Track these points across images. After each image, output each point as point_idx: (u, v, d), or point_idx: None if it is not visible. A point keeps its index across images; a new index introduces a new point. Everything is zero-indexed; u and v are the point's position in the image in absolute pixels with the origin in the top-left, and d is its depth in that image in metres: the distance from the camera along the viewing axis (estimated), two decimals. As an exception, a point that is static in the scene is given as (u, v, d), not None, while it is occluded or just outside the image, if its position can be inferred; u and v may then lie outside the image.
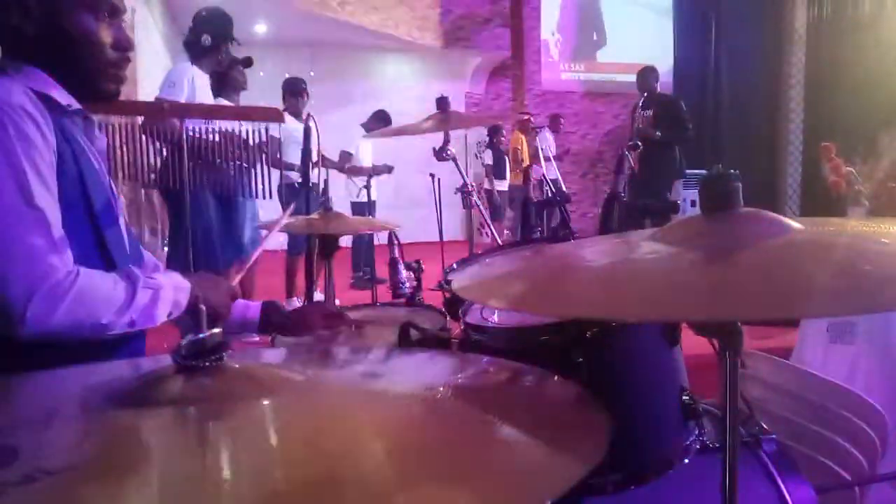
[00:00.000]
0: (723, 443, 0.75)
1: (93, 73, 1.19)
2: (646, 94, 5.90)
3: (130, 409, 0.56)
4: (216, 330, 0.58)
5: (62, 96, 1.15)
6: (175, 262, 3.07)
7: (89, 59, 1.17)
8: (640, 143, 5.53)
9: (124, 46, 1.21)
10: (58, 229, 1.05)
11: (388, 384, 0.79)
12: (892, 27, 7.08)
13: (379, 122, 5.80)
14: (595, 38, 10.86)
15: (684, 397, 1.05)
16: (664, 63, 9.98)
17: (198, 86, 3.20)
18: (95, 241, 1.15)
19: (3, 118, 1.02)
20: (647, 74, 6.15)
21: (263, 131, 2.79)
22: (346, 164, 5.64)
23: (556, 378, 0.71)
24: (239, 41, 3.47)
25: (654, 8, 10.22)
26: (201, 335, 0.57)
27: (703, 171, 7.28)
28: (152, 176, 2.91)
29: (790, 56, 7.88)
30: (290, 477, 0.47)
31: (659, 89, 6.59)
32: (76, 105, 1.18)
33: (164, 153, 2.92)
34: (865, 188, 4.18)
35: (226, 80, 3.69)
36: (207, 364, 0.58)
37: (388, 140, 7.25)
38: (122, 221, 1.26)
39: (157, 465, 0.50)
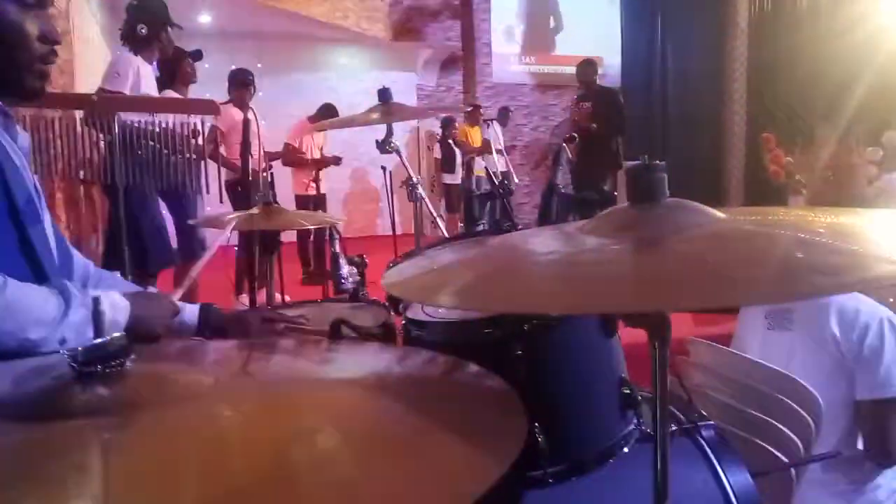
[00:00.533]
0: (654, 430, 0.76)
1: (18, 69, 1.11)
2: (583, 87, 5.99)
3: (24, 422, 0.52)
4: (118, 333, 0.55)
5: None
6: (112, 258, 2.96)
7: (15, 52, 1.10)
8: (576, 136, 5.61)
9: (52, 39, 1.14)
10: None
11: (330, 371, 0.78)
12: (829, 22, 7.32)
13: (326, 115, 5.75)
14: (552, 25, 10.94)
15: (623, 387, 1.06)
16: (613, 55, 10.15)
17: (142, 76, 3.11)
18: (18, 241, 1.10)
19: None
20: (586, 67, 6.24)
21: (201, 124, 2.72)
22: (291, 156, 5.55)
23: (481, 371, 0.70)
24: (180, 26, 3.37)
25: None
26: (101, 339, 0.54)
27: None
28: (90, 169, 2.81)
29: (733, 49, 8.07)
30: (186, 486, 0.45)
31: (603, 82, 6.69)
32: None
33: (102, 147, 2.82)
34: (804, 178, 4.33)
35: (175, 72, 3.60)
36: (107, 370, 0.54)
37: (340, 133, 7.17)
38: (46, 219, 1.21)
39: (71, 482, 0.47)
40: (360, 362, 0.85)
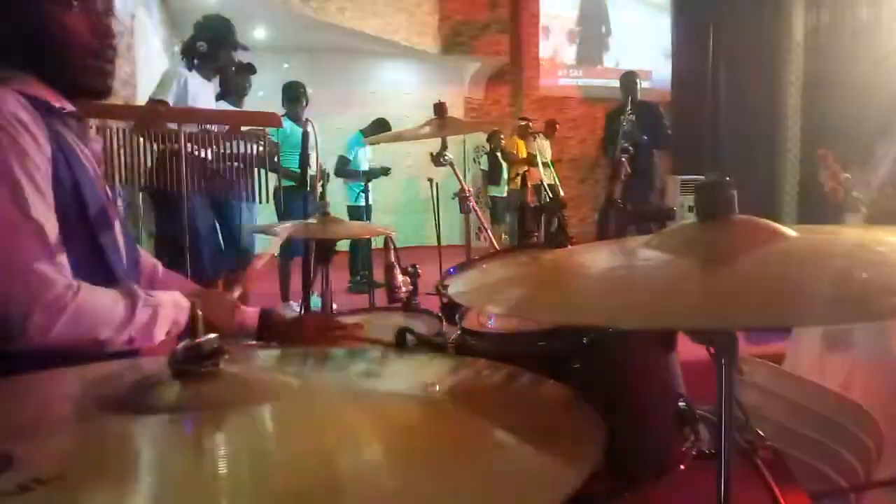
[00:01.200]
0: (718, 450, 0.75)
1: (75, 67, 1.14)
2: (630, 99, 5.89)
3: (125, 414, 0.56)
4: (212, 335, 0.58)
5: (54, 99, 1.13)
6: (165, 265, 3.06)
7: (67, 52, 1.12)
8: (631, 148, 5.55)
9: (102, 33, 1.16)
10: (56, 241, 1.04)
11: (385, 385, 0.79)
12: (888, 35, 7.12)
13: (379, 129, 5.84)
14: (602, 38, 10.91)
15: (680, 404, 1.05)
16: (664, 68, 10.04)
17: (191, 90, 3.20)
18: (91, 247, 1.15)
19: None
20: (631, 79, 6.13)
21: (262, 136, 2.79)
22: (343, 167, 5.67)
23: (550, 382, 0.71)
24: (245, 46, 3.47)
25: (654, 14, 10.26)
26: (197, 340, 0.57)
27: (700, 177, 7.30)
28: (145, 176, 2.90)
29: (788, 63, 7.92)
30: (287, 483, 0.47)
31: (653, 95, 6.61)
32: (69, 107, 1.17)
33: (156, 154, 2.91)
34: (862, 195, 4.20)
35: (229, 85, 3.71)
36: (203, 369, 0.57)
37: (387, 145, 7.26)
38: (117, 225, 1.26)
39: (152, 474, 0.50)
40: (414, 373, 0.87)
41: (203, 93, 3.29)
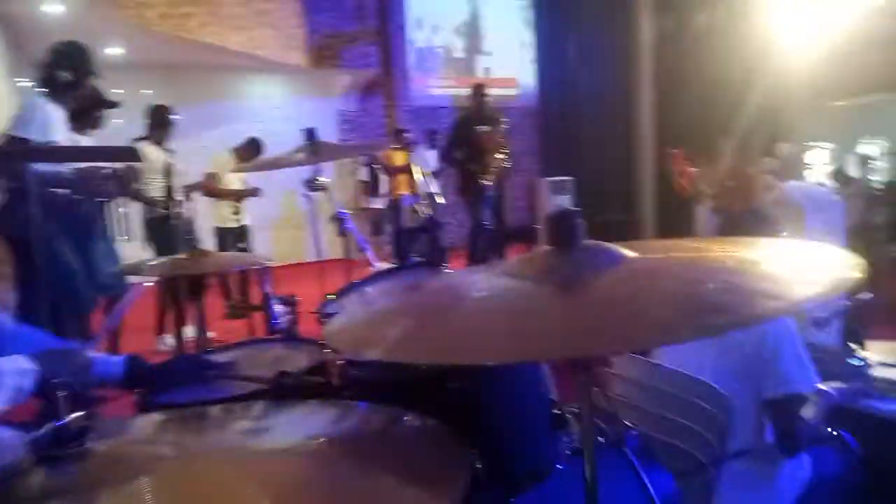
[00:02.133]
0: (584, 451, 0.83)
1: None
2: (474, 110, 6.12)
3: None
4: (77, 414, 0.56)
5: None
6: (26, 309, 2.84)
7: None
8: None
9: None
10: None
11: (267, 440, 0.80)
12: (723, 38, 7.82)
13: (252, 148, 5.68)
14: (471, 48, 11.19)
15: (553, 409, 1.14)
16: (530, 76, 10.48)
17: (51, 122, 2.99)
18: None
19: None
20: (480, 90, 6.32)
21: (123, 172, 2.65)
22: (211, 185, 5.43)
23: (422, 418, 0.75)
24: (101, 75, 3.27)
25: (519, 20, 10.66)
26: (61, 421, 0.56)
27: (568, 178, 7.57)
28: None
29: (641, 68, 8.51)
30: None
31: (520, 102, 6.89)
32: None
33: (2, 196, 2.71)
34: (708, 189, 4.62)
35: (87, 117, 3.49)
36: (70, 452, 0.56)
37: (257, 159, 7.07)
38: None
39: None
40: (297, 426, 0.88)
41: (60, 123, 3.08)
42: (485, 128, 6.08)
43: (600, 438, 1.33)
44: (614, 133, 8.83)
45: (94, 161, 2.61)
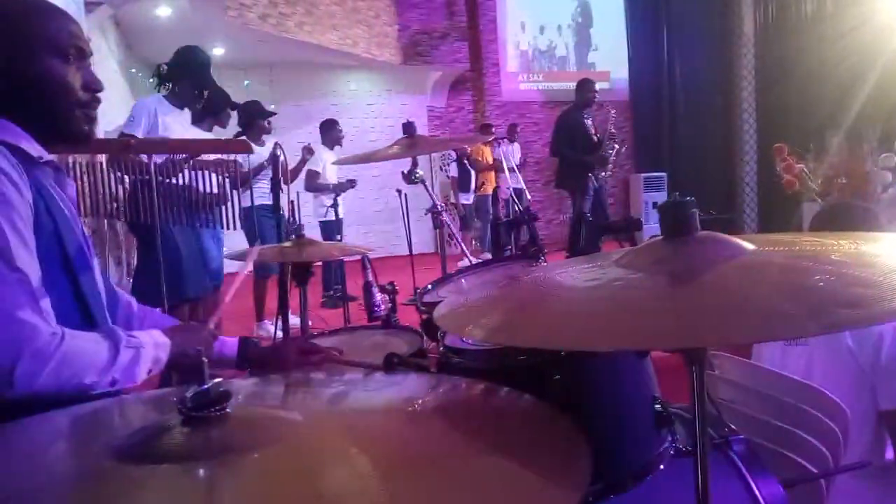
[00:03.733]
0: (694, 449, 0.80)
1: (65, 117, 1.18)
2: (583, 105, 6.11)
3: (139, 463, 0.58)
4: (219, 380, 0.61)
5: (33, 148, 1.15)
6: (142, 293, 3.05)
7: (61, 103, 1.17)
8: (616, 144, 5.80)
9: (94, 87, 1.22)
10: (39, 289, 1.05)
11: (372, 404, 0.82)
12: (834, 25, 7.37)
13: (329, 131, 5.89)
14: (562, 42, 11.08)
15: (656, 406, 1.10)
16: (621, 69, 10.23)
17: (161, 120, 3.19)
18: (71, 290, 1.16)
19: None
20: (589, 84, 6.27)
21: (231, 164, 2.80)
22: (313, 181, 5.65)
23: (529, 398, 0.74)
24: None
25: (608, 16, 10.45)
26: (205, 386, 0.60)
27: (662, 173, 7.47)
28: (115, 206, 2.90)
29: (740, 58, 8.14)
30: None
31: (612, 96, 6.80)
32: (47, 156, 1.18)
33: (128, 186, 2.91)
34: (816, 185, 4.35)
35: (213, 117, 3.72)
36: (212, 415, 0.60)
37: (352, 154, 7.27)
38: (95, 264, 1.27)
39: None
40: (405, 391, 0.90)
41: (173, 122, 3.28)
42: (590, 120, 6.09)
43: (704, 441, 1.28)
44: (712, 127, 8.51)
45: (212, 152, 2.77)
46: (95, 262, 1.27)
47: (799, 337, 1.70)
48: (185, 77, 3.32)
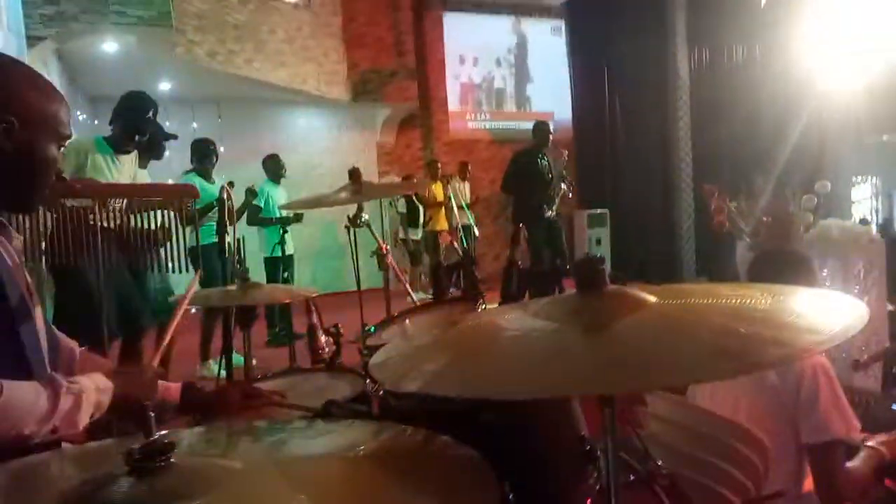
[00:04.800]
0: (607, 485, 0.87)
1: (37, 194, 1.24)
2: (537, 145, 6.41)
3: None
4: (163, 431, 0.65)
5: None
6: (84, 335, 2.98)
7: (43, 182, 1.23)
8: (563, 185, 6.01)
9: (59, 173, 1.31)
10: None
11: (314, 450, 0.87)
12: (761, 71, 7.84)
13: (273, 166, 5.98)
14: (506, 83, 11.38)
15: (583, 445, 1.18)
16: (565, 110, 10.59)
17: (90, 159, 3.19)
18: (10, 339, 1.16)
19: None
20: (545, 126, 6.59)
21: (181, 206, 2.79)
22: (255, 217, 5.62)
23: (458, 444, 0.81)
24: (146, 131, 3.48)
25: (557, 58, 10.82)
26: (153, 437, 0.64)
27: (604, 210, 7.77)
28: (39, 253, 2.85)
29: (676, 100, 8.54)
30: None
31: (556, 136, 7.10)
32: None
33: (50, 227, 2.86)
34: (745, 226, 4.60)
35: (150, 151, 3.72)
36: (158, 465, 0.64)
37: (301, 189, 7.27)
38: (38, 312, 1.28)
39: None
40: (339, 439, 0.95)
41: (104, 163, 3.27)
42: (545, 161, 6.37)
43: (631, 476, 1.36)
44: (652, 165, 8.86)
45: (158, 198, 2.76)
46: (38, 311, 1.28)
47: (705, 381, 1.81)
48: (120, 121, 3.36)
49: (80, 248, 2.69)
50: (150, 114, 3.36)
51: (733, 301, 0.84)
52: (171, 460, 0.65)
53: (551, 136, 6.55)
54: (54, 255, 2.75)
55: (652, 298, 0.84)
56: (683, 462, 1.75)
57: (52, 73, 6.52)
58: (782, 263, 2.23)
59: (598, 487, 1.19)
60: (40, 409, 1.07)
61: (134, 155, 3.45)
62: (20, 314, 1.19)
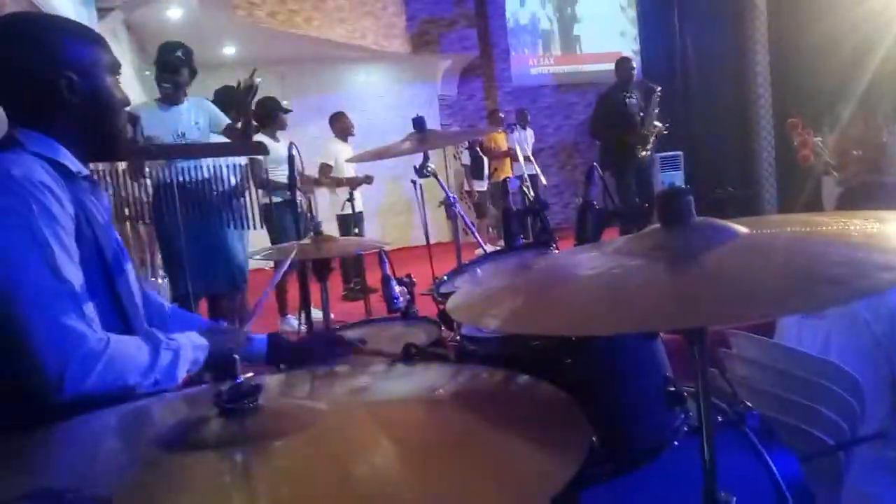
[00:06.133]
0: (700, 427, 0.84)
1: (114, 134, 1.27)
2: (627, 82, 6.16)
3: (183, 451, 0.64)
4: (250, 374, 0.66)
5: (72, 163, 1.21)
6: (176, 291, 3.17)
7: (115, 120, 1.26)
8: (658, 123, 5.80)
9: (127, 102, 1.30)
10: (84, 296, 1.11)
11: (394, 392, 0.88)
12: (848, -5, 7.25)
13: (339, 124, 6.01)
14: (569, 25, 10.98)
15: (668, 386, 1.14)
16: (629, 49, 10.16)
17: (146, 124, 3.28)
18: (110, 294, 1.22)
19: (27, 197, 1.08)
20: (627, 63, 6.34)
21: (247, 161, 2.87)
22: (326, 175, 5.71)
23: (542, 383, 0.79)
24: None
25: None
26: (238, 380, 0.66)
27: (677, 153, 7.43)
28: (137, 209, 2.99)
29: (753, 31, 8.02)
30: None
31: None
32: (85, 171, 1.25)
33: (149, 189, 3.01)
34: (832, 158, 4.33)
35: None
36: (246, 406, 0.66)
37: (365, 147, 7.32)
38: (129, 269, 1.33)
39: None
40: (419, 381, 0.95)
41: (158, 118, 3.36)
42: (633, 100, 6.15)
43: (719, 418, 1.31)
44: (728, 103, 8.41)
45: (230, 155, 2.83)
46: (129, 266, 1.33)
47: (794, 313, 1.73)
48: (156, 70, 3.43)
49: (160, 207, 2.82)
50: (179, 53, 3.38)
51: (835, 228, 0.78)
52: (259, 402, 0.66)
53: (634, 72, 6.25)
54: (156, 215, 2.89)
55: (743, 229, 0.79)
56: (772, 404, 1.69)
57: (123, 44, 6.71)
58: (875, 196, 2.09)
59: (685, 430, 1.16)
60: (142, 362, 1.12)
61: (191, 105, 3.50)
62: (116, 270, 1.24)
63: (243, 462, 0.62)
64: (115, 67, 1.27)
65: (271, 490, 0.58)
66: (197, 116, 3.43)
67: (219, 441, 0.64)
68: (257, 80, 2.99)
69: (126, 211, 3.03)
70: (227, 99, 3.51)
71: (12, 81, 1.19)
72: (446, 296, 1.48)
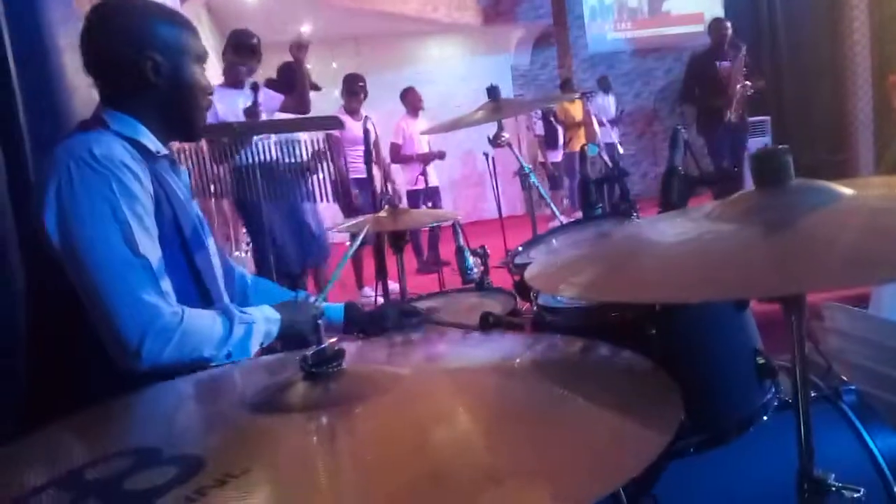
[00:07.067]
0: (794, 400, 0.79)
1: (196, 117, 1.33)
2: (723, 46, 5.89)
3: (270, 413, 0.67)
4: (334, 339, 0.68)
5: (152, 143, 1.26)
6: (262, 265, 3.31)
7: (197, 106, 1.31)
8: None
9: (210, 90, 1.35)
10: (161, 272, 1.16)
11: (472, 361, 0.88)
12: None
13: (409, 100, 6.00)
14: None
15: (758, 358, 1.09)
16: (715, 10, 9.64)
17: (216, 104, 3.38)
18: (188, 269, 1.27)
19: (108, 175, 1.14)
20: (721, 24, 6.10)
21: (323, 137, 2.92)
22: (397, 154, 5.76)
23: (626, 352, 0.76)
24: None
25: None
26: (323, 345, 0.68)
27: (765, 117, 7.05)
28: (220, 186, 3.10)
29: (850, -15, 7.47)
30: (417, 463, 0.55)
31: (704, 39, 6.49)
32: (164, 150, 1.30)
33: (232, 167, 3.11)
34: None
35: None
36: (330, 370, 0.68)
37: (438, 120, 7.31)
38: (210, 243, 1.38)
39: (308, 465, 0.58)
40: (497, 350, 0.94)
41: (229, 103, 3.46)
42: (726, 63, 5.91)
43: (813, 393, 1.25)
44: (819, 62, 7.88)
45: (305, 130, 2.89)
46: (210, 241, 1.38)
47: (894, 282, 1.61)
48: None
49: (238, 184, 2.92)
50: (255, 40, 3.50)
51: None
52: (342, 366, 0.68)
53: (728, 34, 5.91)
54: (240, 191, 3.01)
55: (847, 191, 0.73)
56: (870, 379, 1.60)
57: (204, 28, 6.93)
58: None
59: (776, 404, 1.11)
60: (216, 335, 1.17)
61: (246, 92, 3.58)
62: (195, 245, 1.29)
63: (328, 424, 0.63)
64: (202, 56, 1.31)
65: (355, 454, 0.59)
66: (247, 101, 3.56)
67: (304, 404, 0.66)
68: (304, 33, 3.04)
69: (211, 188, 3.14)
70: (287, 75, 3.59)
71: (100, 62, 1.25)
72: (522, 267, 1.46)
